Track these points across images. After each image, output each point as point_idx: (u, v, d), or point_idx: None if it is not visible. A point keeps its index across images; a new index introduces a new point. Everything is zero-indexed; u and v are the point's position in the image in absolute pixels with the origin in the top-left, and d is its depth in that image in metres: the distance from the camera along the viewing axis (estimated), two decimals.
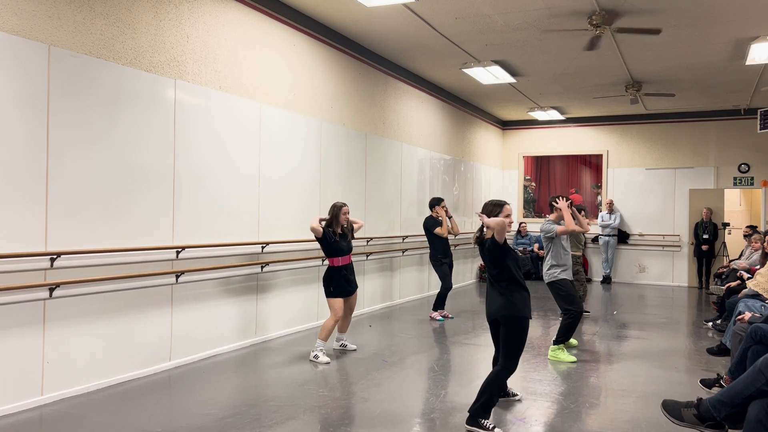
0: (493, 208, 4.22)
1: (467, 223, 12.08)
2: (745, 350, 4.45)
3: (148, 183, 5.12)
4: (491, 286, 4.26)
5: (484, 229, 4.25)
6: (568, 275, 6.10)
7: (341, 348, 6.18)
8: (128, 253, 4.92)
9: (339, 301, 5.90)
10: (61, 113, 4.43)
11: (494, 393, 4.06)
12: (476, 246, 4.33)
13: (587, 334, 7.31)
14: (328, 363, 5.71)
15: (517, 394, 4.71)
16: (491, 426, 3.96)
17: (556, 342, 6.11)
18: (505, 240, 4.11)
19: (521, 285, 4.15)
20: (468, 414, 4.06)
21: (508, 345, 4.09)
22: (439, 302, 8.17)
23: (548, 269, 6.11)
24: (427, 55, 8.75)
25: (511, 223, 4.16)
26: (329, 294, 5.92)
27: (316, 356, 5.76)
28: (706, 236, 12.13)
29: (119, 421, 4.06)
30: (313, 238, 6.30)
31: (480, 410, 4.00)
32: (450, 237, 8.28)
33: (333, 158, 7.73)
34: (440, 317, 8.10)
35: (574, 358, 6.00)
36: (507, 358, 4.09)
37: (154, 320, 5.22)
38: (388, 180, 9.14)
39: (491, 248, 4.12)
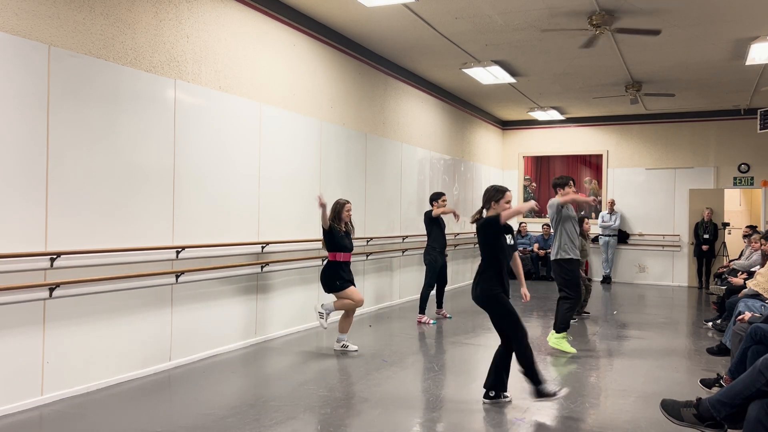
0: (495, 193, 4.48)
1: (467, 223, 12.08)
2: (745, 350, 4.45)
3: (148, 183, 5.12)
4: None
5: (484, 212, 4.53)
6: (575, 255, 6.12)
7: (342, 349, 6.17)
8: (128, 253, 4.92)
9: (352, 288, 6.01)
10: (61, 113, 4.43)
11: (532, 362, 4.36)
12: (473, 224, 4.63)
13: (587, 334, 7.31)
14: (356, 350, 6.06)
15: (507, 396, 4.65)
16: (555, 390, 4.37)
17: (558, 330, 6.13)
18: (497, 227, 4.35)
19: (493, 264, 4.38)
20: (535, 391, 4.39)
21: (502, 321, 4.41)
22: (424, 303, 7.89)
23: (557, 248, 6.14)
24: (427, 55, 8.75)
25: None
26: (338, 287, 5.97)
27: (344, 345, 6.06)
28: (706, 236, 12.13)
29: (119, 421, 4.06)
30: (313, 237, 6.32)
31: (538, 381, 4.35)
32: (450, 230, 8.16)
33: (333, 158, 7.73)
34: (432, 321, 7.82)
35: (574, 350, 6.11)
36: (511, 330, 4.39)
37: (154, 320, 5.22)
38: (388, 180, 9.14)
39: (485, 224, 4.42)
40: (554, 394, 4.37)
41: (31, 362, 4.28)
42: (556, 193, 6.35)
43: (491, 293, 4.37)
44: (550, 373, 5.50)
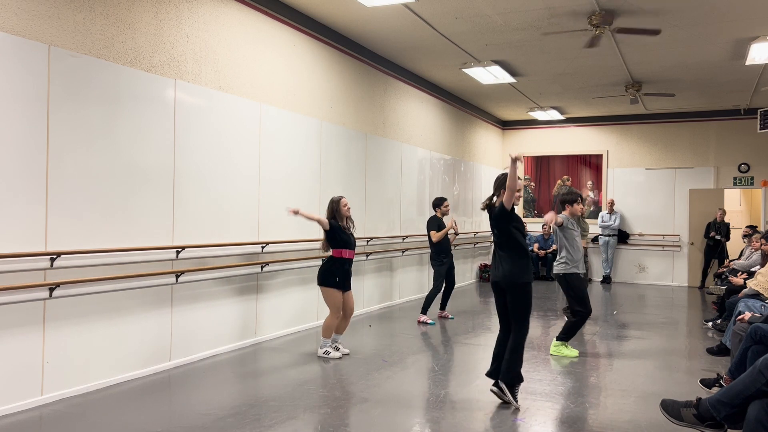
0: (507, 179, 4.49)
1: (467, 223, 12.08)
2: (745, 350, 4.45)
3: (148, 183, 5.12)
4: (496, 253, 4.62)
5: (494, 198, 4.58)
6: (579, 269, 6.12)
7: (324, 356, 5.95)
8: (128, 253, 4.92)
9: (339, 294, 5.79)
10: (61, 113, 4.43)
11: (521, 356, 4.50)
12: (485, 211, 4.69)
13: (587, 334, 7.31)
14: (340, 357, 5.80)
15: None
16: (515, 401, 4.46)
17: (559, 338, 6.14)
18: (513, 208, 4.45)
19: (524, 252, 4.48)
20: (504, 381, 4.48)
21: (517, 310, 4.47)
22: (428, 304, 7.88)
23: (560, 262, 6.15)
24: (427, 55, 8.75)
25: (520, 197, 4.51)
26: (331, 283, 5.73)
27: (326, 352, 5.82)
28: (718, 237, 12.04)
29: (119, 421, 4.06)
30: (313, 238, 6.29)
31: (515, 377, 4.47)
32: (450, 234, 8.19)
33: (333, 158, 7.73)
34: (431, 321, 7.83)
35: (576, 352, 6.10)
36: (518, 323, 4.48)
37: (154, 320, 5.22)
38: (388, 180, 9.14)
39: (498, 214, 4.46)
40: (512, 401, 4.48)
41: (31, 362, 4.28)
42: (564, 208, 6.30)
43: (522, 281, 4.43)
44: (550, 372, 5.51)
